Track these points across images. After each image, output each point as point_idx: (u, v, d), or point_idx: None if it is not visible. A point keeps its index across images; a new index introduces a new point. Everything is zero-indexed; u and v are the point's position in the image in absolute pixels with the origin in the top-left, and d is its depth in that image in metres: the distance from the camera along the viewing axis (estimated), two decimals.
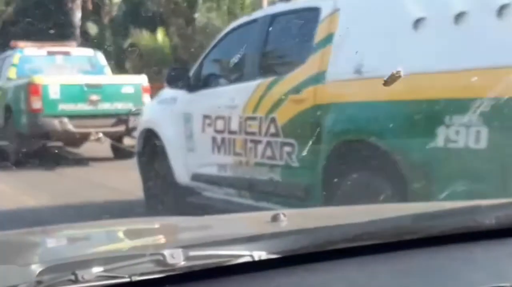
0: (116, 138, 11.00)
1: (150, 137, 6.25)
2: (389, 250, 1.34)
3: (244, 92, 4.78)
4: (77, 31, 21.10)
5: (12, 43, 12.70)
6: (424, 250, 1.35)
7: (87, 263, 1.19)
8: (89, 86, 10.81)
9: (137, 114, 6.75)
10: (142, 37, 20.18)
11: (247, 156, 4.75)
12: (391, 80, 2.27)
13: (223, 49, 5.35)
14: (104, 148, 11.44)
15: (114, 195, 7.35)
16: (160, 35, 20.72)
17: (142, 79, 11.36)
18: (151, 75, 19.63)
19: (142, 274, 1.18)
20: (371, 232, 1.36)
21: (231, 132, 4.95)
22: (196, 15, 19.40)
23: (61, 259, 1.28)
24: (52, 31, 15.34)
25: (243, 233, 1.59)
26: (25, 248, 1.63)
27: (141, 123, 6.58)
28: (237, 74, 5.03)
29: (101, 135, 10.72)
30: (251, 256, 1.25)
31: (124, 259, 1.22)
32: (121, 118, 10.94)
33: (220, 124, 5.09)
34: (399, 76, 2.26)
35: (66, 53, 12.18)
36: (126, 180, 8.03)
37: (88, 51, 12.54)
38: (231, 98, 4.94)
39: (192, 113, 5.52)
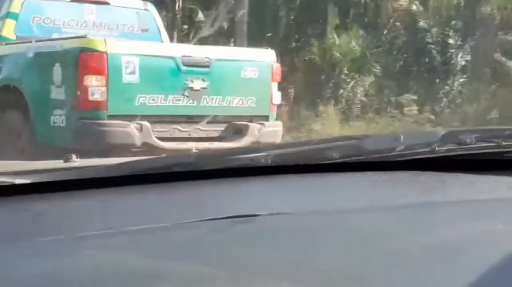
0: None
1: None
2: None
3: None
4: None
5: None
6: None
7: None
8: (190, 63, 5.67)
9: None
10: None
11: None
12: None
13: None
14: None
15: None
16: None
17: (271, 56, 6.31)
18: None
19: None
20: None
21: None
22: None
23: None
24: None
25: None
26: None
27: None
28: None
29: None
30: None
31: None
32: (236, 124, 5.94)
33: None
34: None
35: (102, 3, 6.84)
36: None
37: (136, 2, 7.23)
38: None
39: None
